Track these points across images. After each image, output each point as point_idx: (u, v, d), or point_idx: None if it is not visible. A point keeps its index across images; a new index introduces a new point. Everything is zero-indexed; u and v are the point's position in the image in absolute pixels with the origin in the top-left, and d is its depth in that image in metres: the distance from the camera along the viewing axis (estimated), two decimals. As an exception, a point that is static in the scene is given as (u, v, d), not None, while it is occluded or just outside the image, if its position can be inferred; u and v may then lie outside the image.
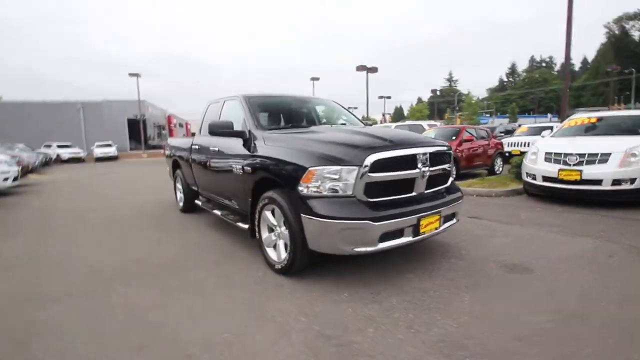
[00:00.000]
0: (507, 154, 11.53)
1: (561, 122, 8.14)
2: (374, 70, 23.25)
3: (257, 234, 3.47)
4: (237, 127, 3.90)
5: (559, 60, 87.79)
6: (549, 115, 54.26)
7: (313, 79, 31.06)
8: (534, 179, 6.06)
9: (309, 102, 4.76)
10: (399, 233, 2.82)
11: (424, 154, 3.03)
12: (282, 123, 4.09)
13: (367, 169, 2.70)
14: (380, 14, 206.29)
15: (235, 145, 3.87)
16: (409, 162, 2.94)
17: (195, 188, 5.48)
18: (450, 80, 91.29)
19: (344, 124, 4.23)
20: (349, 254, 2.76)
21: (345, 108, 4.97)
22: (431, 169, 3.08)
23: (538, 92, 71.22)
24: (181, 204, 6.13)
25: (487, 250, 3.65)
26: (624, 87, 48.57)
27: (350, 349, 2.05)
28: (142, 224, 5.34)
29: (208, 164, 4.57)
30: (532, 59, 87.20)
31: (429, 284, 2.91)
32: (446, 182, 3.39)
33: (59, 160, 23.96)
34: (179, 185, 6.22)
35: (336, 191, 2.72)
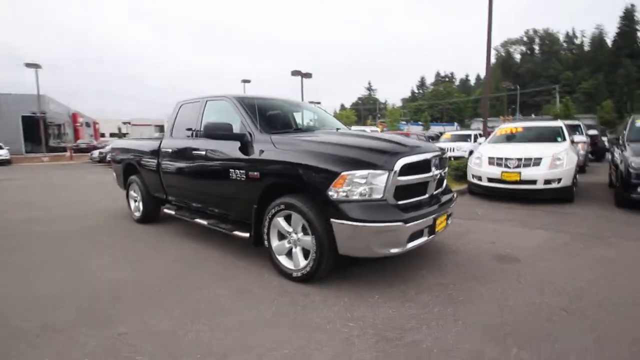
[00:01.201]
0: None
1: (479, 129, 9.37)
2: (308, 75, 23.66)
3: (265, 242, 3.31)
4: None
5: (458, 76, 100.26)
6: (456, 124, 61.32)
7: (244, 81, 30.34)
8: (480, 180, 6.86)
9: (298, 105, 4.69)
10: (420, 233, 2.97)
11: (435, 157, 3.25)
12: (278, 126, 3.96)
13: (397, 173, 2.80)
14: (305, 23, 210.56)
15: (228, 149, 3.64)
16: (426, 166, 3.13)
17: (160, 195, 4.96)
18: (369, 89, 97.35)
19: (338, 129, 4.27)
20: (381, 256, 2.82)
21: (328, 113, 5.02)
22: (439, 172, 3.32)
23: (443, 103, 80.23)
24: (137, 214, 5.47)
25: (473, 245, 4.03)
26: (511, 101, 57.44)
27: (420, 348, 2.11)
28: (104, 239, 4.63)
29: (188, 169, 4.19)
30: (438, 74, 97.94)
31: (444, 279, 3.11)
32: (444, 184, 3.67)
33: None
34: (133, 193, 5.55)
35: (368, 195, 2.75)
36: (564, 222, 5.02)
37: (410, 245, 2.86)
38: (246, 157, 3.42)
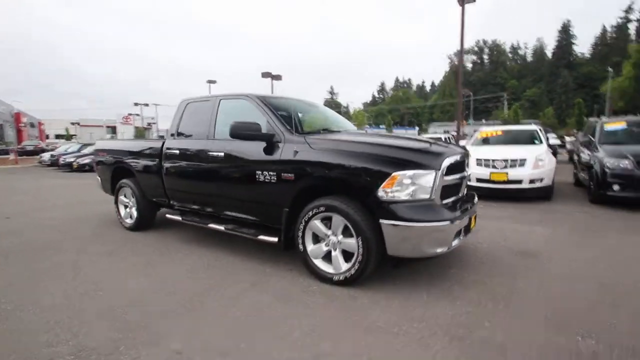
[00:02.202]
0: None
1: (436, 133, 9.79)
2: (278, 77, 23.44)
3: (299, 246, 3.20)
4: None
5: (415, 82, 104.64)
6: (416, 127, 63.88)
7: (209, 81, 29.39)
8: (469, 180, 7.18)
9: (315, 106, 4.61)
10: (459, 232, 3.03)
11: (465, 158, 3.34)
12: (300, 127, 3.86)
13: (443, 172, 2.84)
14: (267, 24, 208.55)
15: (253, 150, 3.49)
16: (461, 166, 3.21)
17: (161, 200, 4.64)
18: (332, 93, 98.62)
19: (356, 129, 4.25)
20: (428, 255, 2.84)
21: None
22: (468, 172, 3.42)
23: (403, 107, 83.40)
24: (129, 220, 5.08)
25: (487, 242, 4.19)
26: (464, 107, 61.05)
27: (495, 343, 2.14)
28: (100, 248, 4.24)
29: (202, 172, 3.96)
30: (397, 80, 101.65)
31: (478, 275, 3.20)
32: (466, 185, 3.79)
33: None
34: (124, 199, 5.15)
35: (417, 195, 2.76)
36: (553, 218, 5.39)
37: (453, 244, 2.91)
38: (277, 158, 3.29)
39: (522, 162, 6.66)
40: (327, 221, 3.09)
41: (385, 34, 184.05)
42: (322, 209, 3.02)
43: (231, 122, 3.37)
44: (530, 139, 7.85)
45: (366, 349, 2.11)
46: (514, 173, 6.62)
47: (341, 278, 2.98)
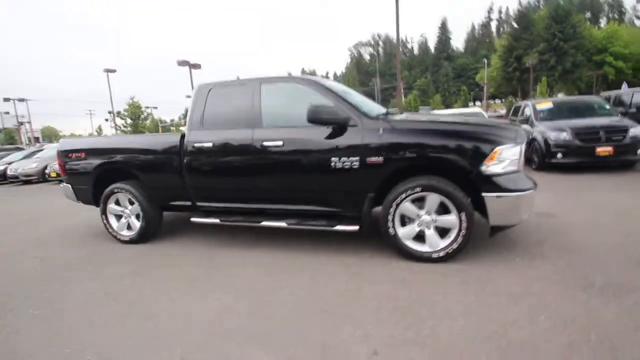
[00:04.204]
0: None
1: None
2: (197, 66, 21.55)
3: (389, 230, 3.16)
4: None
5: (320, 73, 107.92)
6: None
7: (108, 70, 25.35)
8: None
9: (350, 91, 4.45)
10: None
11: None
12: (368, 110, 3.68)
13: (525, 146, 3.12)
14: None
15: (321, 136, 3.28)
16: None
17: (181, 203, 4.01)
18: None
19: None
20: (520, 222, 3.11)
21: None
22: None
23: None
24: (126, 232, 4.28)
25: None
26: (368, 96, 65.63)
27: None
28: (119, 268, 3.47)
29: (254, 164, 3.54)
30: (303, 70, 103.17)
31: (537, 249, 3.62)
32: None
33: None
34: (116, 207, 4.29)
35: (510, 167, 2.98)
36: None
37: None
38: (359, 142, 3.16)
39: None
40: (416, 202, 3.12)
41: (291, 23, 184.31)
42: (418, 189, 3.03)
43: (308, 106, 3.10)
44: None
45: (519, 315, 2.24)
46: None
47: (441, 254, 3.06)
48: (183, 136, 3.85)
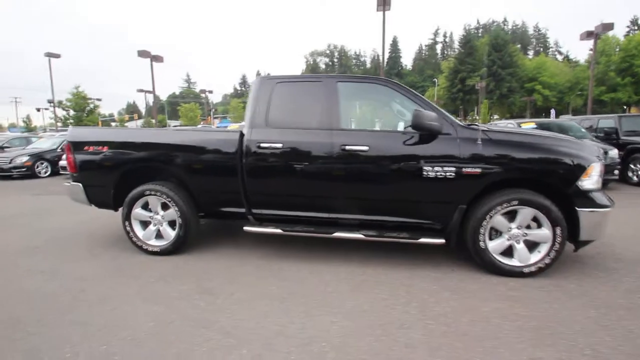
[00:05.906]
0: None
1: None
2: (159, 59, 19.90)
3: (480, 244, 3.08)
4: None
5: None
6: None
7: (49, 54, 22.33)
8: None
9: None
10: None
11: None
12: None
13: (602, 163, 3.25)
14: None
15: (408, 143, 3.13)
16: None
17: (234, 210, 3.55)
18: (188, 81, 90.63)
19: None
20: (604, 237, 3.21)
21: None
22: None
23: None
24: (154, 242, 3.69)
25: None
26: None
27: None
28: (176, 286, 2.93)
29: (334, 170, 3.24)
30: (258, 73, 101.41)
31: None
32: None
33: None
34: (142, 212, 3.68)
35: (595, 184, 3.07)
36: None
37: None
38: (456, 153, 3.04)
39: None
40: (506, 215, 3.09)
41: (246, 23, 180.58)
42: (514, 202, 3.00)
43: (413, 111, 2.92)
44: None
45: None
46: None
47: (533, 269, 3.04)
48: (241, 134, 3.43)
